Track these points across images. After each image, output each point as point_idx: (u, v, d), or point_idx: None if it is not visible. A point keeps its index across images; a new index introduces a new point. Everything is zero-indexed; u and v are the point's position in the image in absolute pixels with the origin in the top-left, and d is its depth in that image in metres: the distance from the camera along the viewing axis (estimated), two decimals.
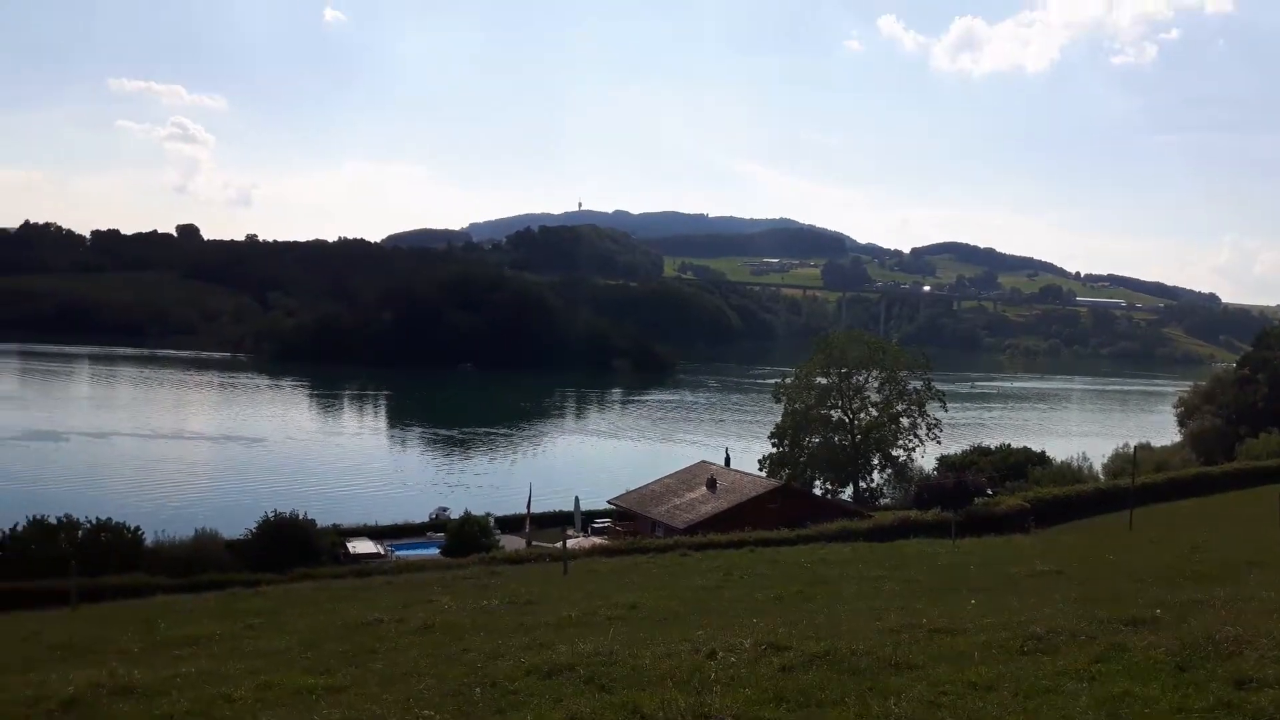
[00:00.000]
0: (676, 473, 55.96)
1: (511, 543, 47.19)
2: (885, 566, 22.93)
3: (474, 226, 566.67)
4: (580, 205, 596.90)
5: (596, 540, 48.27)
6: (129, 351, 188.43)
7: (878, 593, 18.17)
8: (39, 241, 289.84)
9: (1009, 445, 70.92)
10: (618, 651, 11.15)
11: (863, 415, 65.73)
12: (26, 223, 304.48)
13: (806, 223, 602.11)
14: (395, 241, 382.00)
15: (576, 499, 55.30)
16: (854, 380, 66.15)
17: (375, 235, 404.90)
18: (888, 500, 63.66)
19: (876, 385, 66.86)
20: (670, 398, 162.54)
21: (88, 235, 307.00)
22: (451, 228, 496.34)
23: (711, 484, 51.21)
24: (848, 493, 65.22)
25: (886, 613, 13.83)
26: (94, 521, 41.36)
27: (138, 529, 42.04)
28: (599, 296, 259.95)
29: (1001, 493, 53.05)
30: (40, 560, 36.95)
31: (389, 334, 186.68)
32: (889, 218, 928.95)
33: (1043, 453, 67.33)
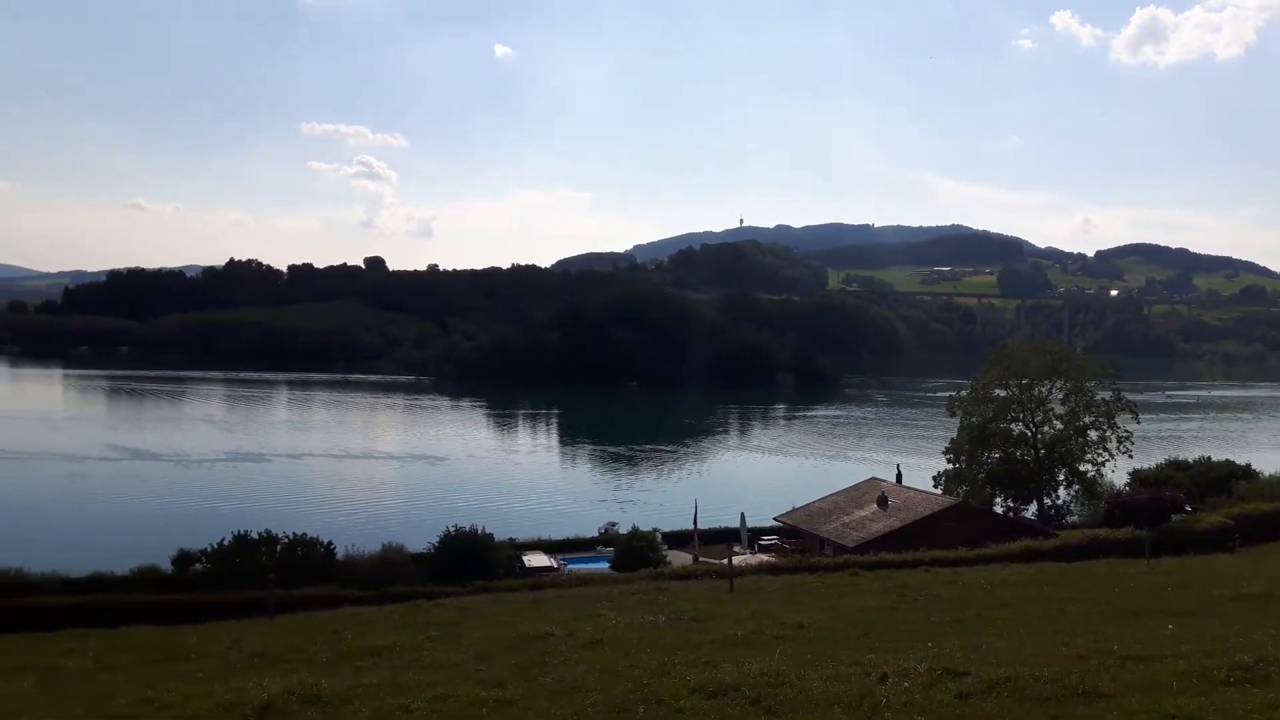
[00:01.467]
0: (845, 490, 54.68)
1: (678, 558, 47.27)
2: (1072, 588, 21.59)
3: (637, 248, 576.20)
4: (741, 222, 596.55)
5: (763, 558, 47.70)
6: (322, 377, 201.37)
7: (1064, 616, 17.11)
8: (242, 277, 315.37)
9: (1209, 458, 65.68)
10: (785, 673, 10.93)
11: (1046, 429, 62.28)
12: (231, 260, 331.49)
13: (980, 229, 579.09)
14: (564, 265, 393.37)
15: (742, 515, 54.88)
16: (1036, 392, 62.81)
17: (545, 260, 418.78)
18: (1075, 518, 60.02)
19: (1061, 396, 63.27)
20: (836, 413, 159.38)
21: (284, 270, 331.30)
22: (616, 250, 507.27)
23: (882, 501, 49.73)
24: (1031, 510, 61.91)
25: (1073, 637, 12.99)
26: (291, 536, 44.08)
27: (330, 543, 44.48)
28: (761, 312, 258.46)
29: (1201, 509, 49.08)
30: (243, 573, 39.68)
31: (558, 354, 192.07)
32: (1070, 221, 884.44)
33: (1248, 466, 62.05)
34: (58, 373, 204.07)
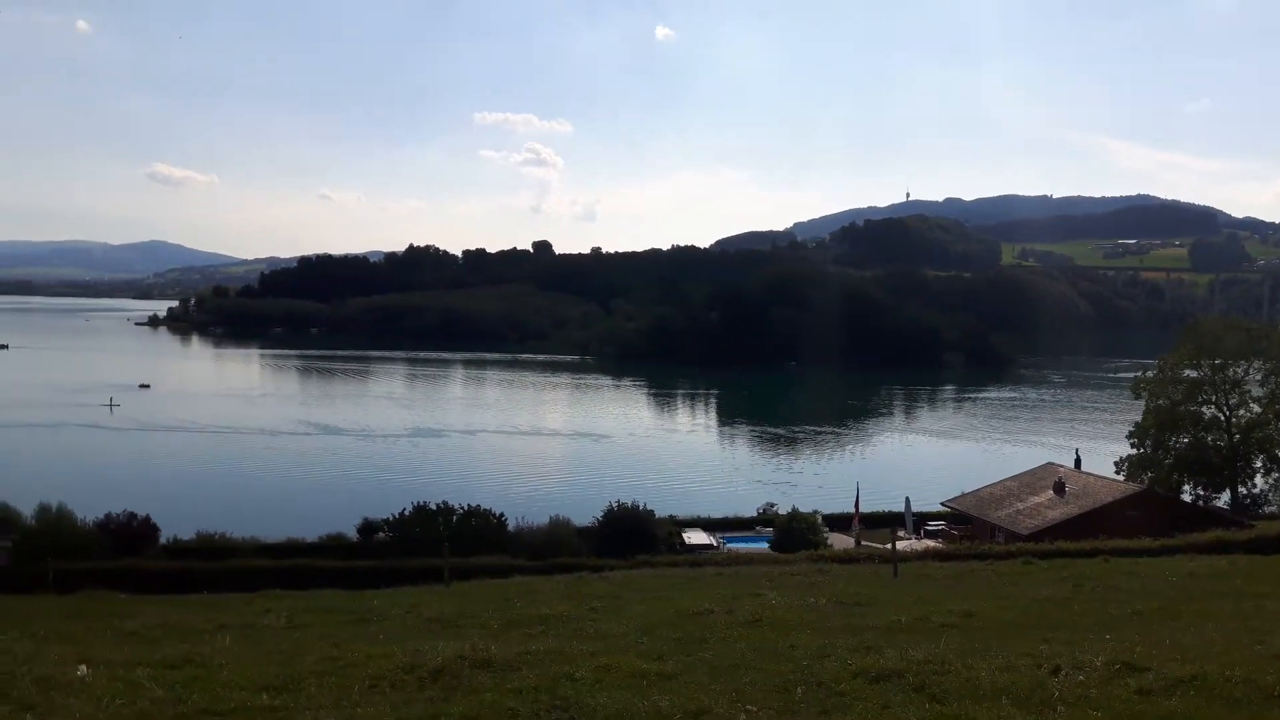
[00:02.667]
0: (1019, 475, 52.46)
1: (840, 541, 46.65)
2: (1270, 583, 20.02)
3: (798, 225, 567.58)
4: (908, 196, 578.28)
5: (929, 543, 46.45)
6: (494, 356, 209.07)
7: (1260, 612, 15.89)
8: (421, 262, 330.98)
9: None
10: (950, 660, 10.67)
11: (1242, 412, 57.60)
12: (411, 246, 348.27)
13: (1168, 198, 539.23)
14: (723, 245, 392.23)
15: (907, 500, 53.52)
16: (1230, 372, 58.16)
17: (705, 241, 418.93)
18: (1274, 508, 55.40)
19: (1259, 378, 58.36)
20: (1009, 395, 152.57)
21: (460, 254, 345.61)
22: (776, 228, 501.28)
23: (1059, 488, 47.40)
24: (1223, 499, 57.54)
25: (1271, 636, 12.08)
26: (466, 508, 46.20)
27: (502, 515, 46.34)
28: (929, 289, 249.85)
29: None
30: (422, 541, 41.87)
31: (717, 334, 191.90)
32: (1269, 188, 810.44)
33: None
34: (255, 352, 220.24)
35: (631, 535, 43.80)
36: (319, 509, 57.73)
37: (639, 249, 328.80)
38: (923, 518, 54.16)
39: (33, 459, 77.68)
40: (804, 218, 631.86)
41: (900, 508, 53.21)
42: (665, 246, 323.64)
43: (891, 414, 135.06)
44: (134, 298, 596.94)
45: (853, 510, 50.60)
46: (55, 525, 41.88)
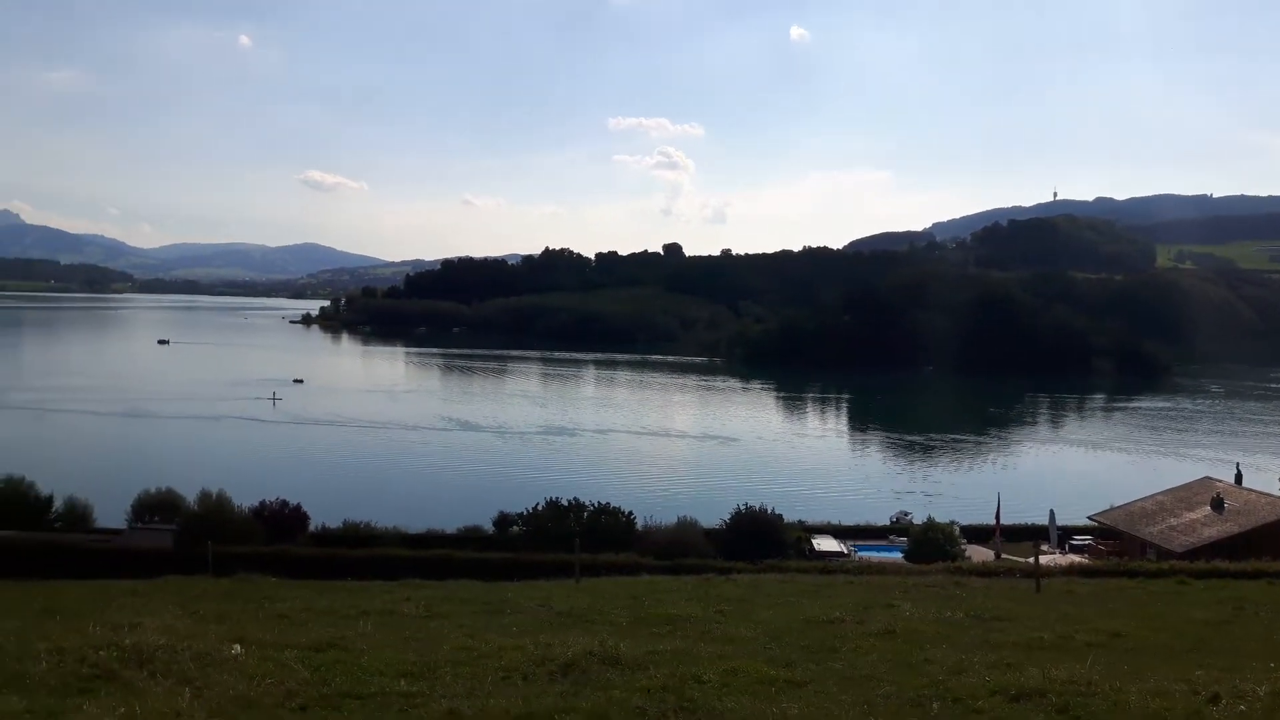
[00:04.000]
0: (1173, 489, 49.48)
1: (977, 553, 45.03)
2: None
3: (937, 226, 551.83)
4: (1055, 195, 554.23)
5: (1074, 558, 44.32)
6: (623, 357, 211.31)
7: None
8: (556, 264, 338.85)
9: None
10: (1097, 682, 10.16)
11: None
12: (547, 249, 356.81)
13: None
14: (857, 247, 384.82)
15: (1051, 513, 51.19)
16: None
17: (838, 242, 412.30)
18: None
19: None
20: (1163, 404, 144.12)
21: (593, 257, 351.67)
22: (914, 229, 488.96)
23: (1217, 504, 44.46)
24: None
25: None
26: (596, 505, 46.86)
27: (630, 514, 46.77)
28: (1077, 292, 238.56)
29: None
30: (553, 536, 42.70)
31: (849, 337, 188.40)
32: None
33: None
34: (400, 350, 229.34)
35: (759, 539, 43.45)
36: (457, 502, 59.61)
37: (770, 250, 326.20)
38: (1068, 531, 51.73)
39: (196, 449, 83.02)
40: (943, 218, 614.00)
41: (1044, 520, 50.98)
42: (796, 248, 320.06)
43: (1035, 423, 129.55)
44: (289, 297, 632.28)
45: (993, 522, 48.80)
46: (215, 511, 44.62)
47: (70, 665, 10.12)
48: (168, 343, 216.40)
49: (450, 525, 48.06)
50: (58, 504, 48.11)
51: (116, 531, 45.81)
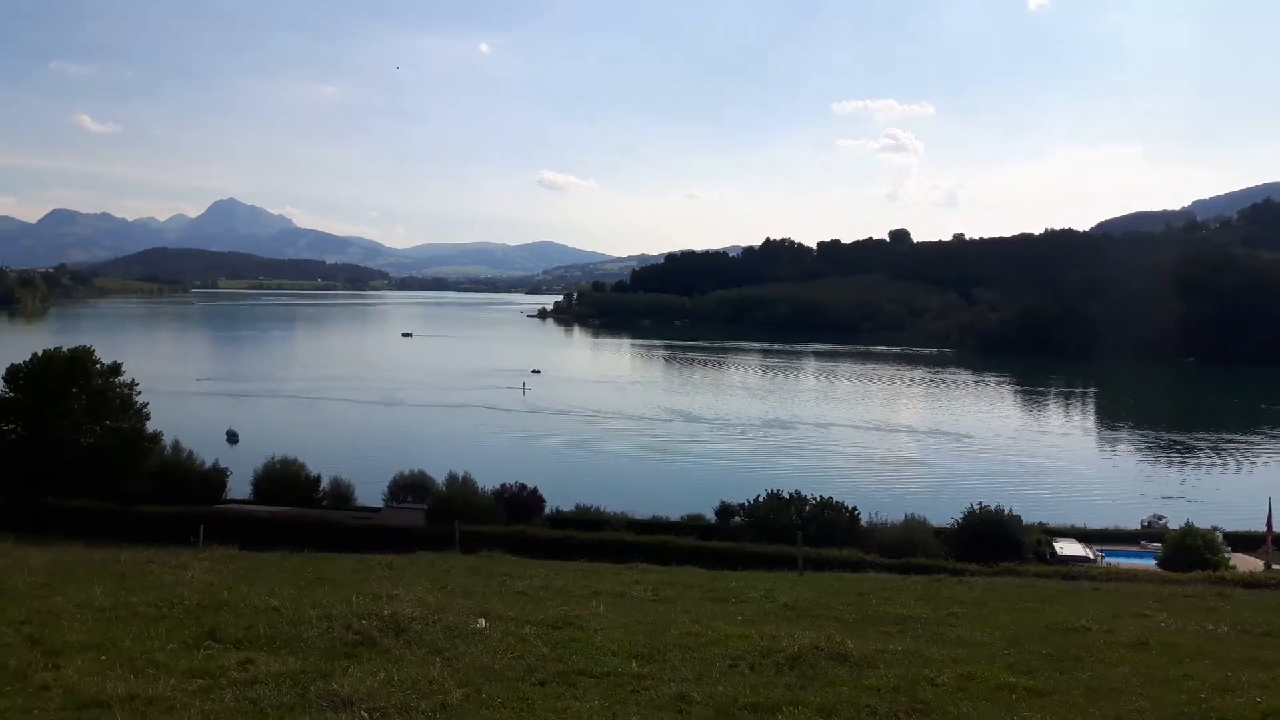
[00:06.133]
0: None
1: (1244, 563, 40.84)
2: None
3: (1197, 204, 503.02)
4: None
5: None
6: (846, 348, 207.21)
7: None
8: (776, 255, 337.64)
9: None
10: None
11: None
12: (767, 240, 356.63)
13: None
14: (1105, 229, 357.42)
15: None
16: None
17: (1083, 224, 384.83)
18: None
19: None
20: None
21: (814, 246, 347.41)
22: (1170, 208, 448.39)
23: None
24: None
25: None
26: (818, 499, 46.35)
27: (854, 509, 45.91)
28: None
29: None
30: (775, 528, 42.62)
31: (1095, 326, 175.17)
32: None
33: None
34: (626, 342, 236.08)
35: (994, 540, 41.47)
36: (679, 490, 60.68)
37: (1006, 234, 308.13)
38: None
39: (443, 434, 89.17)
40: (1204, 195, 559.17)
41: None
42: (1036, 231, 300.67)
43: None
44: (526, 293, 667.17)
45: (1264, 529, 44.07)
46: (461, 492, 47.92)
47: (337, 631, 11.16)
48: (411, 335, 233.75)
49: (673, 513, 49.04)
50: (324, 483, 53.22)
51: (374, 509, 50.11)
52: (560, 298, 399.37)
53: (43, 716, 7.43)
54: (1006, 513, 44.19)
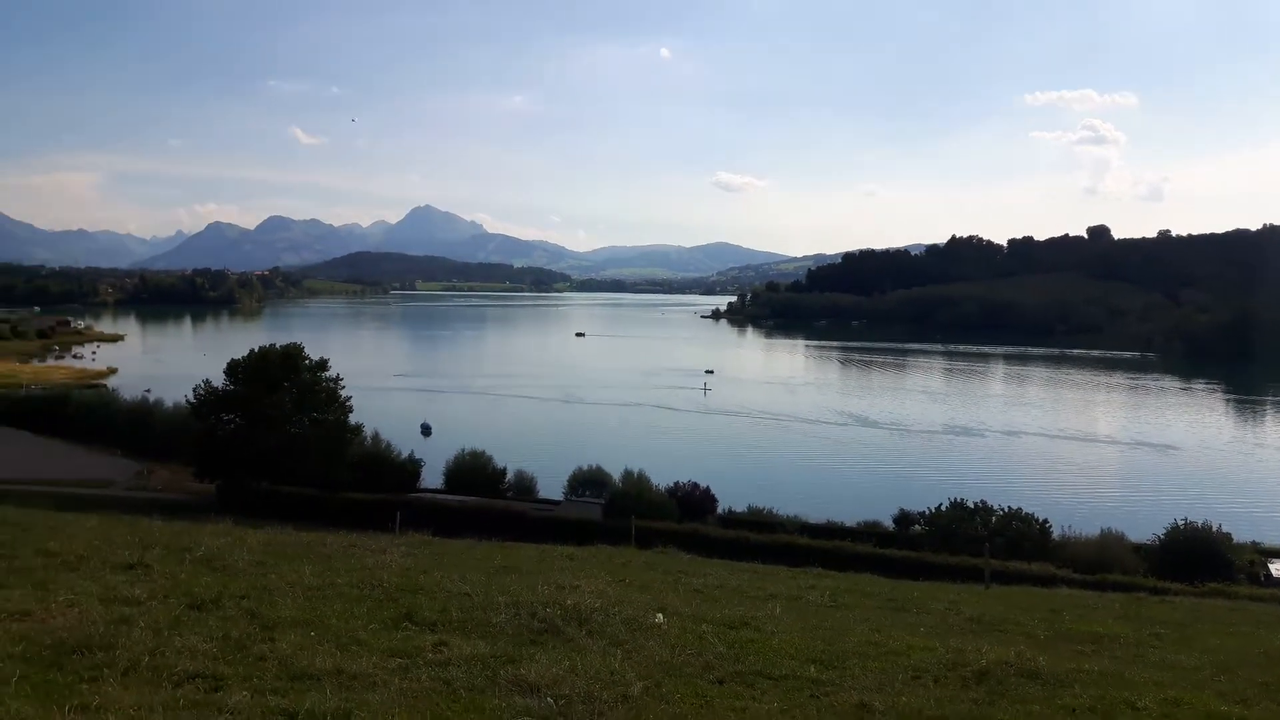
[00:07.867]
0: None
1: None
2: None
3: None
4: None
5: None
6: (1037, 351, 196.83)
7: None
8: (962, 253, 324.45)
9: None
10: None
11: None
12: (953, 237, 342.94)
13: None
14: None
15: None
16: None
17: None
18: None
19: None
20: None
21: (1004, 244, 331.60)
22: None
23: None
24: None
25: None
26: (1006, 510, 44.32)
27: (1045, 521, 43.63)
28: None
29: None
30: (959, 539, 41.09)
31: None
32: None
33: None
34: (800, 343, 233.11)
35: (1200, 559, 38.59)
36: (854, 496, 59.47)
37: (1218, 230, 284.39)
38: None
39: (619, 431, 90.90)
40: None
41: None
42: (1254, 226, 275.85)
43: None
44: (700, 294, 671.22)
45: None
46: (637, 488, 48.78)
47: (524, 618, 11.60)
48: (584, 335, 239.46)
49: (849, 518, 48.14)
50: (509, 475, 55.42)
51: (555, 502, 51.76)
52: (734, 298, 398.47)
53: (261, 684, 8.07)
54: (1215, 530, 41.01)
